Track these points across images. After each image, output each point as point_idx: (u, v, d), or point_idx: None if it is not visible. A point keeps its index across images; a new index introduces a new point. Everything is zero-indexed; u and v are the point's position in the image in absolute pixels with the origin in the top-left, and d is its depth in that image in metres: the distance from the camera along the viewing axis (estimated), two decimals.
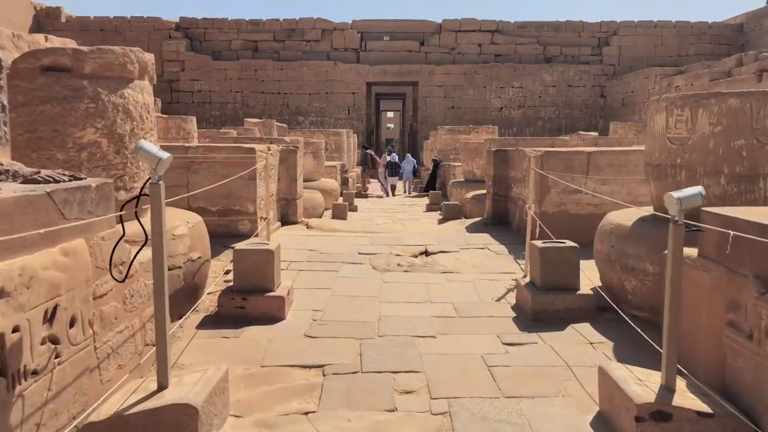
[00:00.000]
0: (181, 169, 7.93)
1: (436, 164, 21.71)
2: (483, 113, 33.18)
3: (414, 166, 25.18)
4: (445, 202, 12.47)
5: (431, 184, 21.17)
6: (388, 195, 22.77)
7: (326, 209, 15.23)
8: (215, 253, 7.25)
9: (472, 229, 9.26)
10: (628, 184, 7.89)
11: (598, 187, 7.82)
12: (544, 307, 4.94)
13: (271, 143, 11.26)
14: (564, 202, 7.87)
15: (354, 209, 15.70)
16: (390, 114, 70.17)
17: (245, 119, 27.64)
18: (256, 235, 6.86)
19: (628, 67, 33.13)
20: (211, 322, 4.91)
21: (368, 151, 22.20)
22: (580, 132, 22.76)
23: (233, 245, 7.53)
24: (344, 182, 19.86)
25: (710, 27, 33.82)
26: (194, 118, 16.09)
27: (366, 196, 20.07)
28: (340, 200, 16.54)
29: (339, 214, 12.38)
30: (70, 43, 6.00)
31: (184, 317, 4.66)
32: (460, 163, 18.24)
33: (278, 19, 34.18)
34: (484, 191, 12.79)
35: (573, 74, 33.44)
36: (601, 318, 4.96)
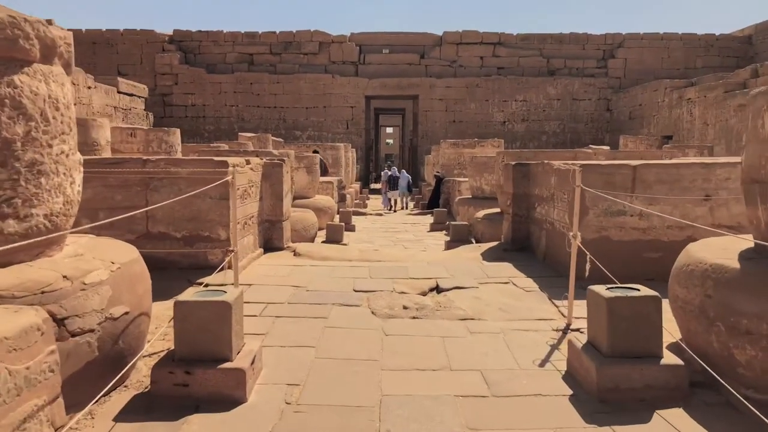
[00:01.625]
0: (138, 187, 6.44)
1: (439, 180, 20.46)
2: (485, 127, 31.84)
3: (409, 181, 24.55)
4: (452, 223, 10.98)
5: (434, 201, 19.88)
6: (391, 209, 22.30)
7: (321, 228, 13.76)
8: (174, 292, 5.75)
9: (489, 256, 7.75)
10: (682, 205, 6.41)
11: (645, 208, 6.33)
12: (616, 384, 3.42)
13: (257, 156, 9.79)
14: (605, 226, 6.37)
15: (351, 229, 14.24)
16: (389, 129, 68.99)
17: (239, 133, 26.30)
18: (221, 269, 5.35)
19: (634, 80, 31.85)
20: (139, 406, 3.38)
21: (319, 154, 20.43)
22: (591, 146, 21.32)
23: (200, 280, 6.07)
24: (341, 199, 18.41)
25: (718, 39, 32.59)
26: (177, 131, 14.66)
27: (365, 214, 18.59)
28: (337, 219, 15.07)
29: (334, 235, 10.89)
30: None
31: (94, 400, 3.14)
32: (466, 179, 16.78)
33: (275, 32, 32.95)
34: (497, 209, 11.32)
35: (578, 87, 32.13)
36: (696, 399, 3.45)
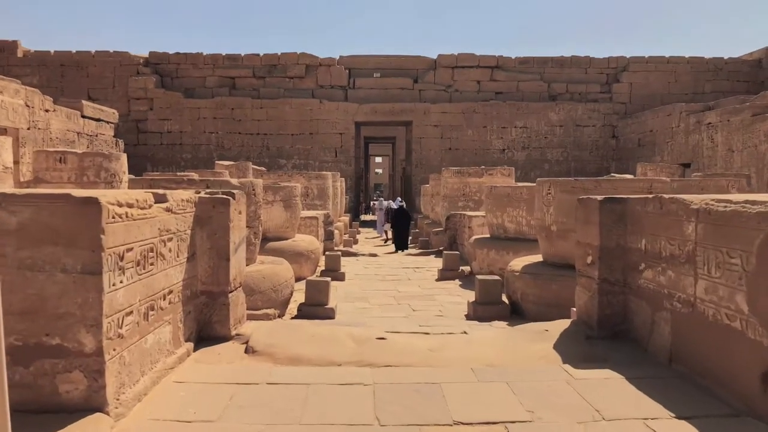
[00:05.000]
0: None
1: (401, 212, 19.04)
2: (483, 155, 28.94)
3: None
4: (480, 278, 7.80)
5: (402, 237, 18.20)
6: (386, 242, 21.01)
7: (301, 278, 10.59)
8: None
9: (569, 352, 4.56)
10: None
11: None
12: None
13: (207, 186, 6.59)
14: None
15: (340, 277, 11.05)
16: (378, 159, 66.23)
17: (217, 162, 23.16)
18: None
19: (640, 105, 29.23)
20: None
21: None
22: (613, 174, 18.42)
23: None
24: (328, 236, 15.22)
25: (726, 63, 30.17)
26: (123, 156, 11.45)
27: (356, 254, 15.39)
28: (322, 263, 11.87)
29: (315, 296, 7.67)
30: None
31: None
32: (477, 213, 13.70)
33: (258, 54, 30.08)
34: (536, 257, 8.24)
35: (581, 113, 29.42)
36: None
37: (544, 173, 28.89)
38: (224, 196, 4.83)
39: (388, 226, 21.94)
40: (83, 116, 23.73)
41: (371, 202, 45.71)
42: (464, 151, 29.20)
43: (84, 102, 24.16)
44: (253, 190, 7.49)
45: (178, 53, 30.05)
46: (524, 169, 28.84)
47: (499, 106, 29.38)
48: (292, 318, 7.53)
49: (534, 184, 11.80)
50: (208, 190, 5.03)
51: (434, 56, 30.46)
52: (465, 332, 6.20)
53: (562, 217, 7.42)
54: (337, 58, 30.25)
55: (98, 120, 24.93)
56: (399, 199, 27.84)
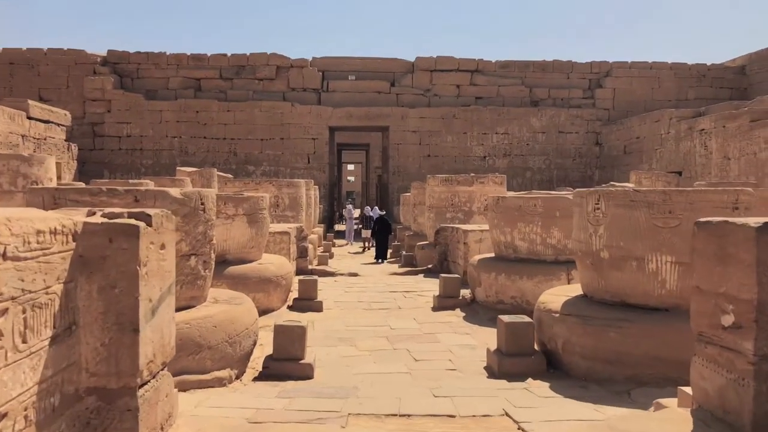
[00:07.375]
0: None
1: (382, 222, 18.65)
2: (464, 162, 27.12)
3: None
4: (507, 320, 5.78)
5: (382, 247, 17.96)
6: (363, 250, 20.89)
7: (270, 310, 8.61)
8: None
9: None
10: None
11: None
12: None
13: (136, 199, 4.48)
14: None
15: (317, 307, 8.95)
16: (351, 167, 64.20)
17: (178, 168, 20.79)
18: None
19: (623, 111, 27.84)
20: None
21: None
22: (613, 183, 16.71)
23: None
24: (302, 254, 13.08)
25: (709, 69, 29.01)
26: (49, 158, 9.18)
27: (333, 274, 13.28)
28: (294, 290, 9.71)
29: (288, 348, 5.55)
30: None
31: None
32: (475, 227, 11.75)
33: (225, 54, 27.76)
34: (575, 289, 6.34)
35: (564, 119, 27.85)
36: None
37: (526, 181, 27.26)
38: (129, 222, 2.73)
39: (368, 233, 21.21)
40: (29, 117, 21.12)
41: (343, 210, 43.71)
42: (444, 158, 27.34)
43: (30, 102, 21.53)
44: (202, 204, 5.38)
45: (138, 52, 27.52)
46: (506, 177, 27.08)
47: (480, 112, 27.64)
48: (255, 379, 5.43)
49: (548, 194, 9.96)
50: (106, 212, 2.92)
51: (412, 59, 28.59)
52: (507, 414, 4.20)
53: (618, 240, 5.50)
54: (310, 59, 28.14)
55: (47, 122, 22.31)
56: (377, 208, 25.94)
